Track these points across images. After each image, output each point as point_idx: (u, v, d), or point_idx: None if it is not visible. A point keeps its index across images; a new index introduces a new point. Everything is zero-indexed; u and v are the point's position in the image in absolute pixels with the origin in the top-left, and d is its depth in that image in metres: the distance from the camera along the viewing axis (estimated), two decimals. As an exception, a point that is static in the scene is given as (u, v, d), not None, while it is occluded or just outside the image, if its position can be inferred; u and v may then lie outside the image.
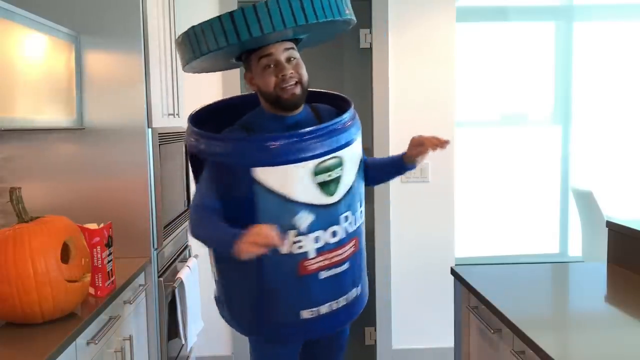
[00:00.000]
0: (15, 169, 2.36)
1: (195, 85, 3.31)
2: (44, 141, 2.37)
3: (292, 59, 1.78)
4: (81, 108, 2.37)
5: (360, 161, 1.88)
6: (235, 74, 3.31)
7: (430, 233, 3.47)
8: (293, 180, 1.69)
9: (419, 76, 3.40)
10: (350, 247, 1.84)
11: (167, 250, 2.66)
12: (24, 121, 1.96)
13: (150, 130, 2.42)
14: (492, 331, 1.85)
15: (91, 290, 1.94)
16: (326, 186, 1.73)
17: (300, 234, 1.73)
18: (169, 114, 2.77)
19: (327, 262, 1.78)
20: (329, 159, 1.71)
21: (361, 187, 1.91)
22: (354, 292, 1.90)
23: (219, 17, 1.68)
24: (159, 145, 2.50)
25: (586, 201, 3.95)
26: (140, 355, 2.34)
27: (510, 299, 1.85)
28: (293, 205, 1.71)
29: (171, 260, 2.75)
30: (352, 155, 1.80)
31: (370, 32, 3.36)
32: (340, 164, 1.74)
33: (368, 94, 3.40)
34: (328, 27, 1.83)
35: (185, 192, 3.07)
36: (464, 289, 2.15)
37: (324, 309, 1.82)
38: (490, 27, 4.04)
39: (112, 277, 2.01)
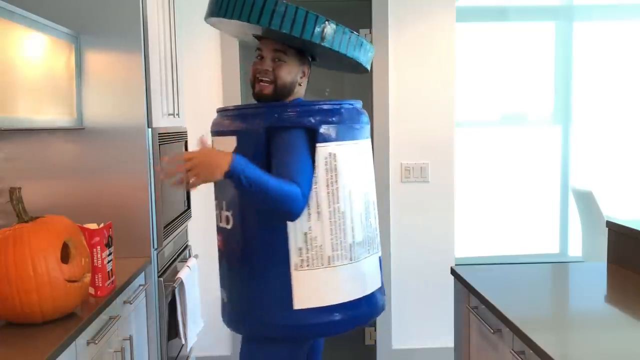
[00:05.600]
0: (15, 169, 2.37)
1: (195, 85, 3.32)
2: (44, 141, 2.37)
3: (277, 60, 1.82)
4: (81, 108, 2.37)
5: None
6: (236, 75, 3.31)
7: (430, 233, 3.47)
8: None
9: (419, 76, 3.40)
10: (219, 239, 1.90)
11: (167, 250, 2.66)
12: (24, 121, 1.96)
13: (150, 130, 2.42)
14: (492, 331, 1.85)
15: (91, 290, 1.94)
16: None
17: None
18: (169, 114, 2.77)
19: None
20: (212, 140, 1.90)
21: (228, 194, 1.79)
22: (222, 293, 1.92)
23: None
24: (159, 145, 2.50)
25: (586, 201, 3.96)
26: (140, 355, 2.34)
27: (510, 299, 1.85)
28: None
29: (171, 260, 2.75)
30: (218, 148, 1.79)
31: (370, 32, 3.36)
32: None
33: (368, 94, 3.40)
34: (343, 62, 1.93)
35: (185, 192, 3.07)
36: (464, 289, 2.15)
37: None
38: (490, 27, 4.04)
39: (112, 277, 2.01)
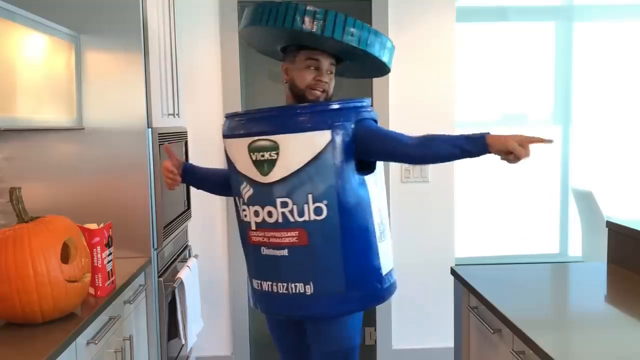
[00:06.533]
0: (15, 169, 2.37)
1: (196, 85, 3.32)
2: (44, 141, 2.37)
3: (330, 72, 2.04)
4: (81, 108, 2.37)
5: (326, 159, 1.86)
6: (235, 75, 3.31)
7: (430, 233, 3.47)
8: (235, 153, 1.96)
9: (419, 76, 3.40)
10: (291, 237, 1.90)
11: (167, 250, 2.66)
12: (25, 121, 1.96)
13: (150, 130, 2.42)
14: (492, 331, 1.85)
15: (91, 290, 1.94)
16: (260, 165, 1.89)
17: (244, 203, 1.96)
18: (169, 114, 2.77)
19: (265, 240, 1.92)
20: (261, 139, 1.88)
21: (321, 185, 1.87)
22: (300, 288, 1.91)
23: (296, 3, 1.89)
24: (159, 145, 2.50)
25: (586, 201, 3.95)
26: (140, 355, 2.34)
27: (510, 299, 1.85)
28: (239, 175, 1.96)
29: (171, 260, 2.75)
30: (296, 145, 1.86)
31: (370, 32, 3.36)
32: (274, 148, 1.87)
33: (368, 94, 3.40)
34: (368, 65, 2.11)
35: (185, 192, 3.07)
36: (464, 289, 2.15)
37: (265, 285, 1.97)
38: (490, 27, 4.04)
39: (112, 277, 2.01)
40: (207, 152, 3.35)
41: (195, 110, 3.32)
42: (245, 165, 1.93)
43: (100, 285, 1.94)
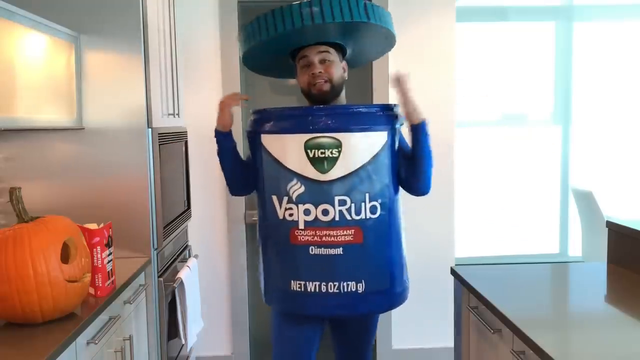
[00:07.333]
0: (15, 169, 2.37)
1: (195, 85, 3.32)
2: (44, 141, 2.37)
3: (326, 60, 2.00)
4: (81, 108, 2.37)
5: (382, 159, 1.93)
6: (235, 75, 3.31)
7: (430, 233, 3.47)
8: (282, 149, 1.90)
9: (419, 76, 3.38)
10: (346, 235, 1.88)
11: (167, 250, 2.66)
12: (25, 121, 1.96)
13: (150, 130, 2.42)
14: (492, 331, 1.85)
15: (91, 290, 1.94)
16: (319, 162, 1.86)
17: (291, 201, 1.89)
18: (169, 114, 2.77)
19: (317, 239, 1.88)
20: (322, 137, 1.85)
21: (377, 184, 1.92)
22: (352, 287, 1.91)
23: (263, 14, 1.93)
24: (159, 145, 2.50)
25: (586, 201, 3.95)
26: (140, 355, 2.34)
27: (510, 299, 1.85)
28: (287, 172, 1.89)
29: (171, 260, 2.75)
30: (358, 144, 1.88)
31: (370, 32, 3.36)
32: (336, 146, 1.85)
33: (368, 94, 3.40)
34: (366, 39, 2.10)
35: (185, 192, 3.07)
36: (464, 289, 2.15)
37: (312, 286, 1.91)
38: (490, 27, 4.04)
39: (112, 277, 2.01)
40: (207, 152, 3.34)
41: (196, 110, 3.31)
42: (297, 163, 1.87)
43: (100, 285, 1.94)
